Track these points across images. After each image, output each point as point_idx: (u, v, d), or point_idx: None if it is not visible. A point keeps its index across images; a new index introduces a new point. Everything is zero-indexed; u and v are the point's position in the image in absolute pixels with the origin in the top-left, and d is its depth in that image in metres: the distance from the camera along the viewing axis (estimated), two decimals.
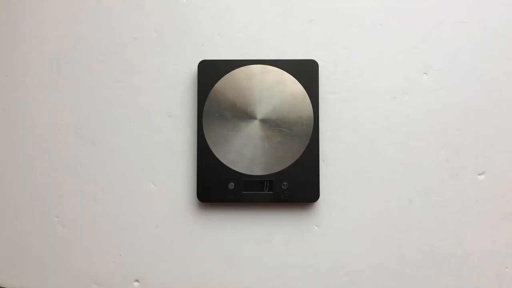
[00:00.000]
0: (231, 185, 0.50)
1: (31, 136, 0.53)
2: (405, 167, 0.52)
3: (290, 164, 0.50)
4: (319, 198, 0.50)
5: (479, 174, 0.51)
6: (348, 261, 0.51)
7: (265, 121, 0.50)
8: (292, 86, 0.51)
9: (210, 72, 0.51)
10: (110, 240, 0.52)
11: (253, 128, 0.50)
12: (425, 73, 0.52)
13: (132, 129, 0.52)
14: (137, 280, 0.52)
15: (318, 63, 0.51)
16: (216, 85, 0.51)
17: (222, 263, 0.51)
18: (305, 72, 0.51)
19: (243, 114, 0.50)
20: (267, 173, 0.50)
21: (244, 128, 0.50)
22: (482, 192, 0.51)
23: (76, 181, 0.52)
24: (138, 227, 0.52)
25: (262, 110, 0.50)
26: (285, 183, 0.50)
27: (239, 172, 0.50)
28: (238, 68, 0.51)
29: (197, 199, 0.50)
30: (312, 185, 0.50)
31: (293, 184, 0.50)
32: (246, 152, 0.51)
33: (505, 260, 0.51)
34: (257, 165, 0.50)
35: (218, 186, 0.50)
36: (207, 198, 0.50)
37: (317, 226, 0.52)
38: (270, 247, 0.51)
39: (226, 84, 0.51)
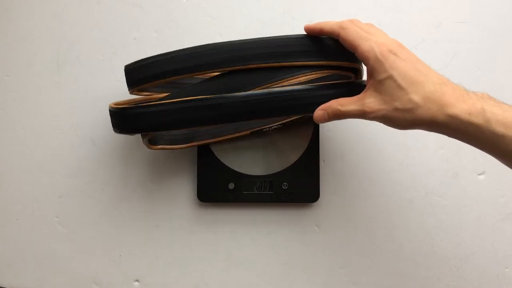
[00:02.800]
0: (231, 185, 0.50)
1: (31, 136, 0.53)
2: (405, 167, 0.52)
3: (290, 164, 0.50)
4: (319, 198, 0.50)
5: (479, 174, 0.51)
6: (348, 261, 0.51)
7: None
8: None
9: None
10: (110, 240, 0.52)
11: None
12: None
13: None
14: (137, 280, 0.52)
15: None
16: None
17: (222, 263, 0.51)
18: None
19: None
20: (267, 173, 0.50)
21: None
22: (482, 192, 0.51)
23: (76, 181, 0.52)
24: (138, 227, 0.52)
25: None
26: (285, 183, 0.50)
27: (239, 172, 0.50)
28: None
29: (197, 199, 0.50)
30: (312, 185, 0.50)
31: (293, 184, 0.50)
32: (246, 152, 0.51)
33: (505, 260, 0.51)
34: (257, 165, 0.50)
35: (218, 186, 0.50)
36: (207, 198, 0.50)
37: (317, 226, 0.52)
38: (270, 247, 0.51)
39: None
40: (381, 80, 0.35)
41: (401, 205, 0.51)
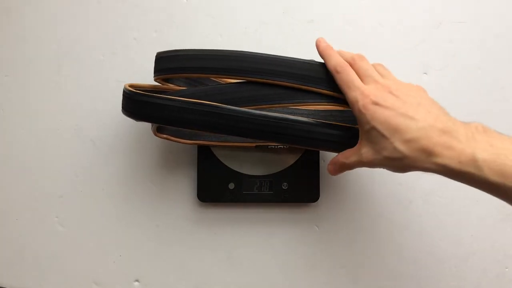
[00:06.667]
0: (231, 185, 0.50)
1: (31, 136, 0.53)
2: None
3: (290, 164, 0.50)
4: (319, 198, 0.50)
5: None
6: (348, 261, 0.51)
7: None
8: None
9: None
10: (110, 240, 0.52)
11: None
12: (425, 73, 0.52)
13: (132, 129, 0.52)
14: (137, 280, 0.52)
15: None
16: None
17: (222, 263, 0.51)
18: None
19: None
20: (267, 173, 0.50)
21: None
22: (482, 192, 0.51)
23: (76, 181, 0.52)
24: (138, 227, 0.52)
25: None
26: (285, 183, 0.50)
27: (239, 172, 0.50)
28: None
29: (197, 199, 0.50)
30: (312, 185, 0.50)
31: (293, 184, 0.50)
32: (246, 152, 0.51)
33: (505, 260, 0.51)
34: (257, 165, 0.50)
35: (218, 186, 0.50)
36: (207, 198, 0.50)
37: (317, 226, 0.52)
38: (270, 247, 0.51)
39: None
40: (367, 131, 0.35)
41: (401, 205, 0.51)
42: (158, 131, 0.47)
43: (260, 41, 0.53)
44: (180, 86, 0.48)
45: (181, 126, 0.40)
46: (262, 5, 0.53)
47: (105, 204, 0.52)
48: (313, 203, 0.51)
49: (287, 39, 0.53)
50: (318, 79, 0.39)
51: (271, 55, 0.39)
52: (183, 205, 0.52)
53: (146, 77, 0.52)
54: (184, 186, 0.52)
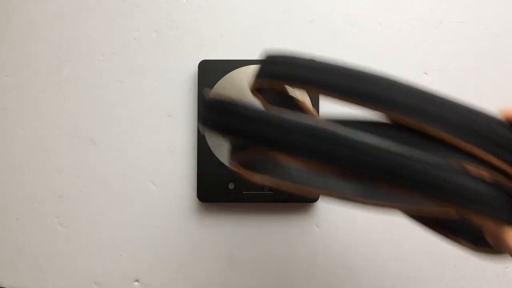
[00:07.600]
0: (231, 185, 0.50)
1: (31, 136, 0.53)
2: None
3: None
4: (319, 198, 0.50)
5: None
6: (348, 261, 0.51)
7: None
8: None
9: (211, 72, 0.51)
10: (110, 240, 0.52)
11: None
12: (425, 73, 0.52)
13: (132, 129, 0.52)
14: (137, 280, 0.52)
15: None
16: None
17: (222, 263, 0.51)
18: None
19: None
20: None
21: None
22: None
23: (76, 181, 0.52)
24: (138, 227, 0.52)
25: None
26: None
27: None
28: (238, 68, 0.51)
29: (197, 199, 0.50)
30: None
31: None
32: None
33: (505, 260, 0.51)
34: None
35: (218, 186, 0.50)
36: (207, 198, 0.50)
37: (317, 226, 0.52)
38: (270, 247, 0.51)
39: (226, 84, 0.51)
40: None
41: None
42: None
43: (260, 41, 0.53)
44: (266, 103, 0.36)
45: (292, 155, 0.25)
46: (262, 5, 0.53)
47: (105, 204, 0.52)
48: (313, 203, 0.51)
49: (287, 39, 0.53)
50: (497, 142, 0.26)
51: (425, 89, 0.26)
52: (183, 205, 0.52)
53: (146, 77, 0.52)
54: (184, 186, 0.52)
